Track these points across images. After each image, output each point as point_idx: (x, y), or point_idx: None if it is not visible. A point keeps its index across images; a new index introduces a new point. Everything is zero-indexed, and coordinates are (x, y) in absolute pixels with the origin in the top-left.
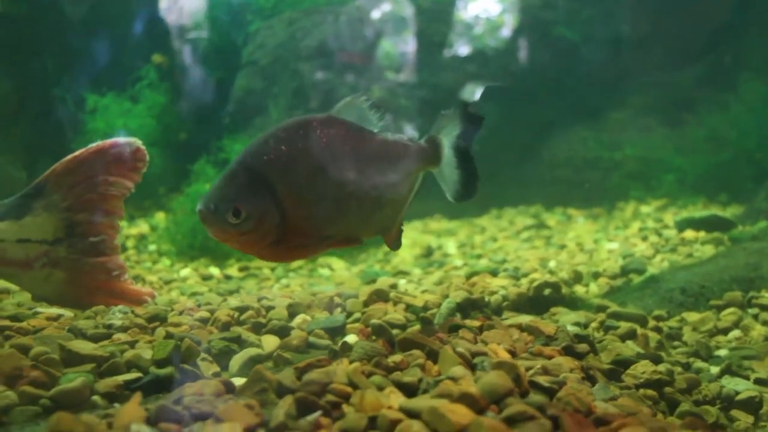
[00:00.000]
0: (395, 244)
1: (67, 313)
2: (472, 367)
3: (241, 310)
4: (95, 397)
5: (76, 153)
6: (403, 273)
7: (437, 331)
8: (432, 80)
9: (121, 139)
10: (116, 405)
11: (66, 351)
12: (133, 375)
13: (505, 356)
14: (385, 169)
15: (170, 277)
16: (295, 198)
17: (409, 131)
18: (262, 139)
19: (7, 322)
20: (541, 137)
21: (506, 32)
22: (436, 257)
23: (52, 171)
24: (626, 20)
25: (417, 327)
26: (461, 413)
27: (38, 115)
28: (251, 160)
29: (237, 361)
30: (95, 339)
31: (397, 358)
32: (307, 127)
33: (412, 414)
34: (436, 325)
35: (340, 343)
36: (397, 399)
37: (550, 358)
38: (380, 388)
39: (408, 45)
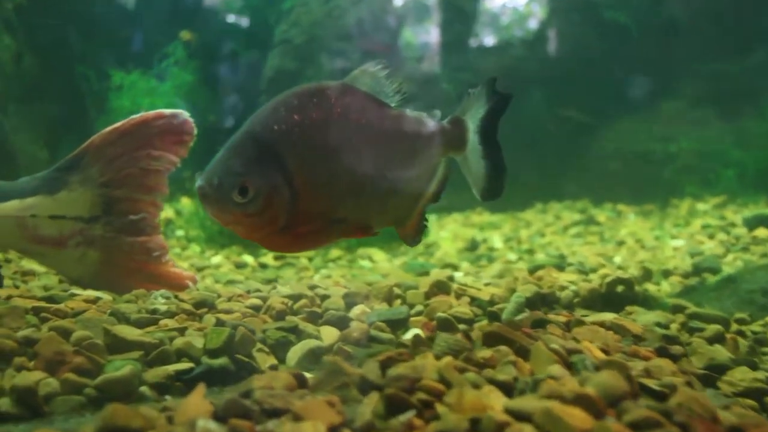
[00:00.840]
0: (413, 239)
1: (105, 296)
2: (569, 366)
3: (295, 298)
4: (143, 388)
5: (117, 124)
6: (451, 266)
7: (521, 325)
8: (477, 64)
9: (167, 111)
10: (167, 397)
11: (111, 336)
12: (184, 365)
13: (600, 355)
14: (403, 149)
15: (202, 264)
16: (308, 175)
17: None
18: (272, 107)
19: (42, 303)
20: (590, 128)
21: (554, 15)
22: (482, 251)
23: (90, 143)
24: (680, 4)
25: (485, 322)
26: (579, 417)
27: (61, 92)
28: (261, 129)
29: (295, 352)
30: (140, 324)
31: (486, 353)
32: (322, 96)
33: (521, 416)
34: (504, 320)
35: (409, 336)
36: (497, 399)
37: (647, 359)
38: (476, 386)
39: (449, 27)
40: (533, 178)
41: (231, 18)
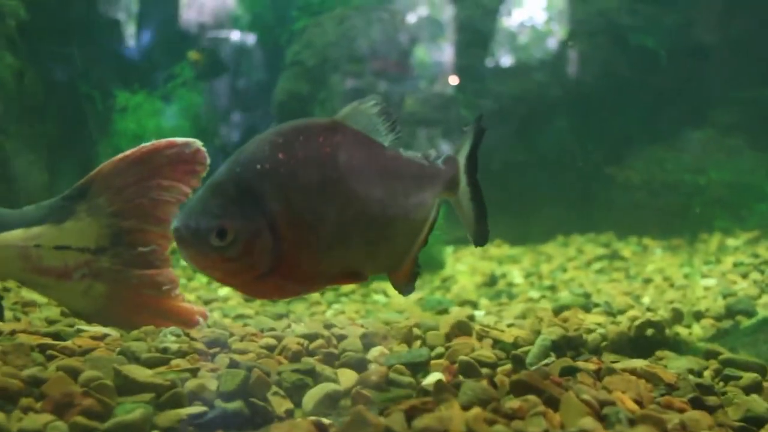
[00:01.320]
0: (405, 287)
1: (113, 332)
2: (601, 419)
3: (310, 338)
4: None
5: (127, 152)
6: (469, 303)
7: (549, 373)
8: (497, 88)
9: (179, 140)
10: None
11: (121, 377)
12: (197, 408)
13: (633, 407)
14: (396, 191)
15: (209, 297)
16: (292, 218)
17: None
18: (255, 145)
19: (48, 340)
20: (615, 157)
21: (580, 38)
22: (501, 286)
23: (99, 171)
24: (712, 29)
25: (509, 365)
26: None
27: (62, 112)
28: (241, 169)
29: (312, 397)
30: (150, 364)
31: (514, 403)
32: (309, 134)
33: None
34: (529, 365)
35: (430, 380)
36: None
37: (681, 411)
38: None
39: (465, 49)
40: (555, 210)
41: (239, 37)
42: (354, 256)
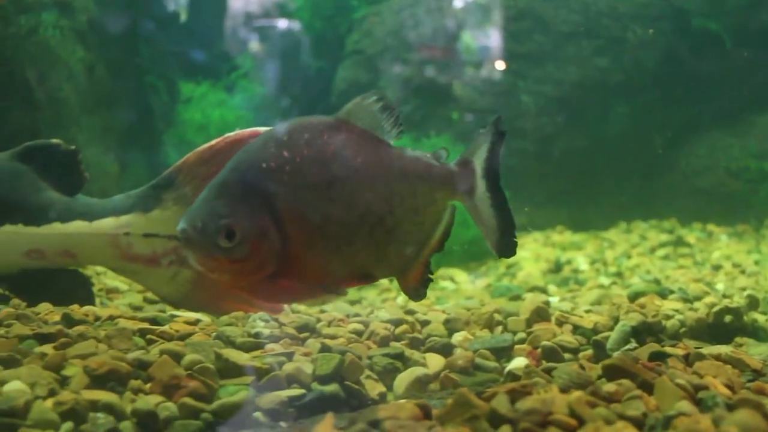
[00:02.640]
0: (416, 293)
1: (205, 318)
2: (697, 403)
3: (395, 323)
4: (257, 414)
5: (212, 142)
6: (537, 289)
7: (639, 358)
8: (557, 74)
9: (262, 129)
10: (282, 424)
11: (222, 360)
12: (296, 391)
13: (725, 392)
14: (403, 192)
15: None
16: (299, 218)
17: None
18: (260, 143)
19: (147, 325)
20: (678, 143)
21: (640, 23)
22: (567, 273)
23: (185, 161)
24: None
25: (590, 352)
26: None
27: (129, 104)
28: (247, 168)
29: (403, 380)
30: (245, 348)
31: (610, 387)
32: (313, 131)
33: None
34: (609, 350)
35: (514, 365)
36: None
37: None
38: (608, 422)
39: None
40: (616, 196)
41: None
42: (361, 257)
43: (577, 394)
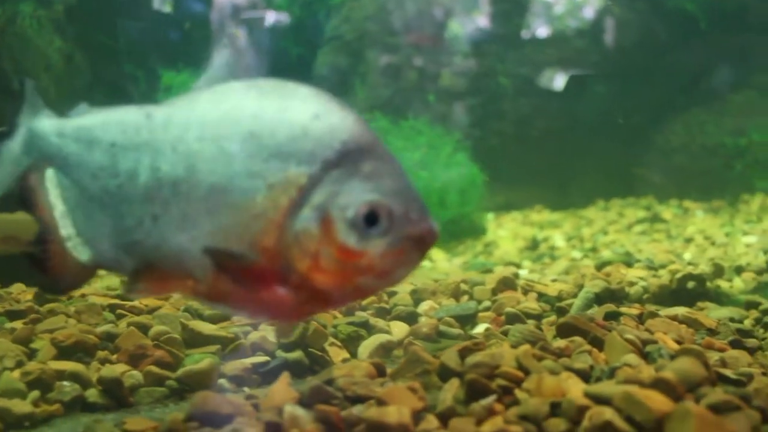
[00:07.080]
0: None
1: (175, 294)
2: (644, 356)
3: None
4: (222, 380)
5: None
6: (513, 264)
7: (594, 318)
8: (534, 57)
9: None
10: (245, 389)
11: (188, 331)
12: (260, 358)
13: (674, 346)
14: None
15: None
16: None
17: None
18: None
19: (117, 300)
20: (654, 121)
21: (615, 2)
22: (543, 250)
23: None
24: None
25: (553, 317)
26: (659, 400)
27: (108, 92)
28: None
29: (367, 347)
30: (213, 321)
31: (561, 343)
32: None
33: (601, 400)
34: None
35: (478, 330)
36: (576, 385)
37: (722, 351)
38: (553, 373)
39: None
40: (594, 175)
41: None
42: None
43: (524, 347)
